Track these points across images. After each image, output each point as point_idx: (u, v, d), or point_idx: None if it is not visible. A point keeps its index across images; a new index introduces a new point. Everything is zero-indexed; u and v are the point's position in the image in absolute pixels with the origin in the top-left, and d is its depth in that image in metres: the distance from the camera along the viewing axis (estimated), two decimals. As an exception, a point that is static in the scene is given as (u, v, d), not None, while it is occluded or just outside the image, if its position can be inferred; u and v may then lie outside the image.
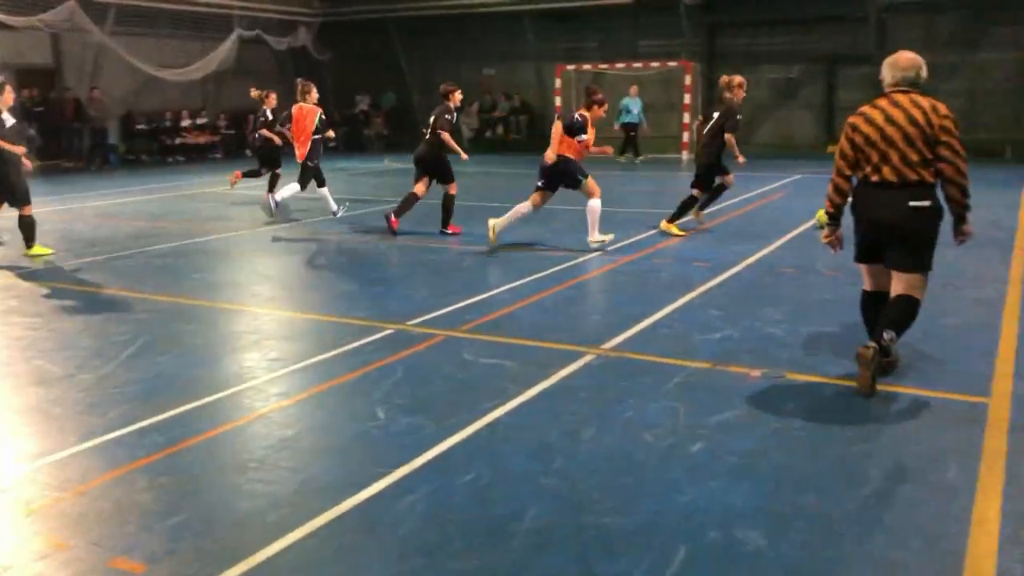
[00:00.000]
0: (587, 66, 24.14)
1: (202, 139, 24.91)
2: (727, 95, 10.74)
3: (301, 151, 12.12)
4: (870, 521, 3.51)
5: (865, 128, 5.05)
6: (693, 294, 7.40)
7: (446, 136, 10.76)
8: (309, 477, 4.01)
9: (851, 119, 5.18)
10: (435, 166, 10.87)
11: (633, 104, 21.62)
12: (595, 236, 9.50)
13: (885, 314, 5.08)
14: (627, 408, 4.82)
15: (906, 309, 5.06)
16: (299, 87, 12.26)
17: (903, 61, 5.09)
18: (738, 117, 10.71)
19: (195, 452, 4.31)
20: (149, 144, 24.05)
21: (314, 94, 12.34)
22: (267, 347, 6.15)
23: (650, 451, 4.24)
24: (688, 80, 22.51)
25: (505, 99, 26.45)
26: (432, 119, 10.85)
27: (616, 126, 21.79)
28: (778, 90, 23.72)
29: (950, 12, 21.07)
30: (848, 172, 5.19)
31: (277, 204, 12.25)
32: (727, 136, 10.53)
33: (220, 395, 5.12)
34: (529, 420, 4.68)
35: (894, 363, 5.31)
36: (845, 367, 5.42)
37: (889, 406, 4.78)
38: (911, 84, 5.07)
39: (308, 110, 12.08)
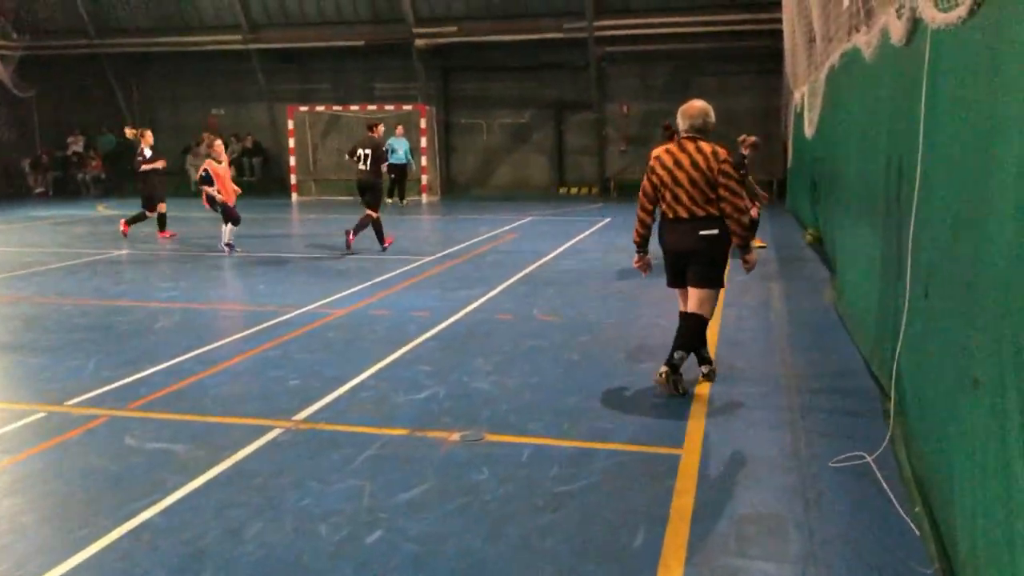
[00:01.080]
0: (320, 108, 23.51)
1: None
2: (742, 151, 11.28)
3: None
4: (548, 611, 3.19)
5: (660, 171, 5.64)
6: (405, 348, 7.00)
7: (385, 166, 12.95)
8: None
9: (651, 162, 5.73)
10: (372, 191, 12.56)
11: (398, 144, 21.06)
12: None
13: (677, 335, 5.74)
14: (306, 494, 4.26)
15: (692, 327, 5.73)
16: None
17: (692, 110, 5.63)
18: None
19: None
20: None
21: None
22: None
23: (319, 549, 3.70)
24: (423, 123, 22.49)
25: (236, 140, 25.17)
26: (370, 151, 12.32)
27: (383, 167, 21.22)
28: (512, 134, 24.36)
29: (662, 63, 22.64)
30: (649, 207, 5.79)
31: None
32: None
33: None
34: (186, 519, 3.99)
35: (711, 375, 6.01)
36: (545, 422, 5.20)
37: (583, 465, 4.57)
38: (698, 131, 5.62)
39: None
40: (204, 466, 4.61)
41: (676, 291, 6.08)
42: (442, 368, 6.43)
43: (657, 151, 5.73)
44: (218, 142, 13.69)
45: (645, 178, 5.75)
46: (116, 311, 8.72)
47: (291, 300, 9.01)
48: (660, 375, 5.59)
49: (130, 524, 3.92)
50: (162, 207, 14.87)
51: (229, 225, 13.09)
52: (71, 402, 5.71)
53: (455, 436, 5.02)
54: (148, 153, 14.71)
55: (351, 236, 12.53)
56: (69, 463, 4.69)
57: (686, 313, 5.82)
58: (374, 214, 12.58)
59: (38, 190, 25.46)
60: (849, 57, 7.83)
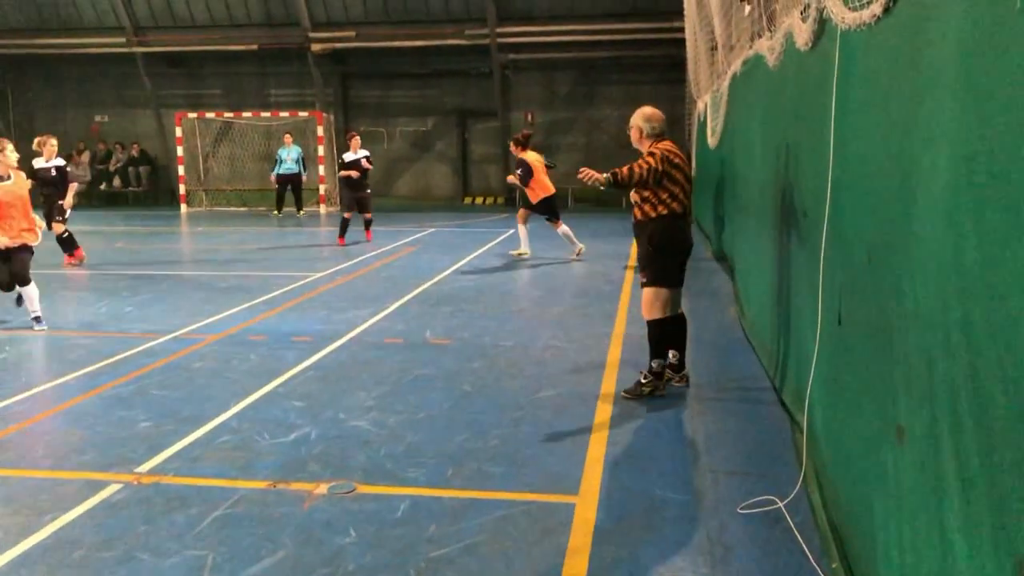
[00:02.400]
0: (211, 114, 22.41)
1: None
2: None
3: None
4: None
5: (684, 168, 5.75)
6: (279, 380, 6.32)
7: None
8: None
9: (667, 152, 5.67)
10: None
11: (287, 153, 20.09)
12: None
13: (675, 339, 5.94)
14: (134, 571, 3.58)
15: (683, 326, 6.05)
16: None
17: (657, 114, 5.90)
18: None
19: None
20: None
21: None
22: None
23: (135, 648, 3.04)
24: (320, 131, 21.63)
25: (121, 149, 23.82)
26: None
27: (272, 177, 20.24)
28: (414, 143, 23.74)
29: (566, 71, 22.38)
30: (650, 182, 5.62)
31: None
32: None
33: None
34: (-24, 613, 3.27)
35: (686, 377, 6.04)
36: (427, 468, 4.63)
37: (463, 520, 4.00)
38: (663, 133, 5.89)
39: None
40: (16, 537, 3.87)
41: (668, 292, 5.85)
42: (317, 404, 5.78)
43: (667, 145, 5.76)
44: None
45: (661, 163, 5.60)
46: (-45, 341, 7.75)
47: (159, 325, 8.19)
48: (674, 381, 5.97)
49: (-100, 625, 3.18)
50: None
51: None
52: None
53: (322, 488, 4.39)
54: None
55: None
56: None
57: (682, 315, 6.02)
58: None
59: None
60: (751, 64, 7.52)
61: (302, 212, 20.40)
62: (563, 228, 12.43)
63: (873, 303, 3.17)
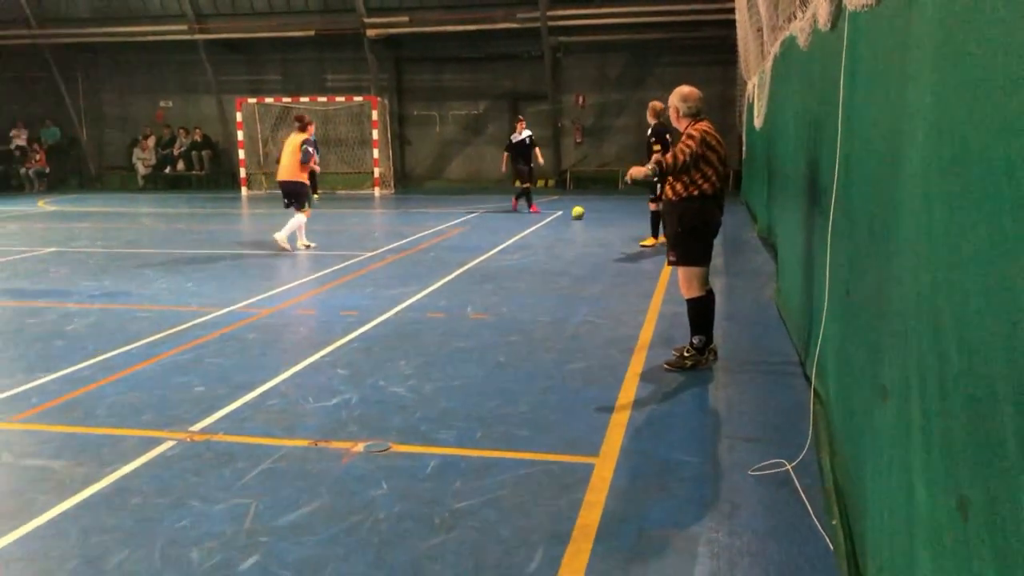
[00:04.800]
0: (270, 99, 23.00)
1: None
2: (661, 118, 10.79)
3: None
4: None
5: (719, 149, 5.83)
6: (326, 351, 6.66)
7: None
8: None
9: (705, 134, 5.78)
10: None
11: None
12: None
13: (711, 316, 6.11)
14: (185, 515, 3.93)
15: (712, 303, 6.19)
16: None
17: (694, 94, 5.97)
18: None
19: None
20: None
21: None
22: None
23: (184, 578, 3.38)
24: (375, 115, 22.05)
25: (184, 134, 24.57)
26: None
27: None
28: (466, 126, 24.01)
29: (618, 53, 22.41)
30: (691, 166, 5.75)
31: None
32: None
33: None
34: (46, 548, 3.64)
35: (714, 351, 6.16)
36: (457, 431, 4.91)
37: (488, 477, 4.28)
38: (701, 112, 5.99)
39: None
40: (80, 485, 4.26)
41: (702, 271, 6.05)
42: (360, 372, 6.11)
43: (704, 126, 5.85)
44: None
45: (702, 146, 5.73)
46: (30, 312, 8.28)
47: (217, 299, 8.63)
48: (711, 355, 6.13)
49: (-19, 554, 3.57)
50: None
51: None
52: (-48, 414, 5.32)
53: (359, 447, 4.71)
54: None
55: None
56: (-69, 484, 4.32)
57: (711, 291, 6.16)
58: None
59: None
60: (787, 45, 7.60)
61: (316, 196, 20.78)
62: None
63: (872, 273, 3.34)
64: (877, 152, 3.34)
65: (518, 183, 16.63)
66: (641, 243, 12.05)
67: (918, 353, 2.50)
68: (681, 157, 5.71)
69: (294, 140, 11.96)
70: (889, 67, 3.14)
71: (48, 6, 24.10)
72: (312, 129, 12.41)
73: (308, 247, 12.21)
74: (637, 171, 5.74)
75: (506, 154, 16.55)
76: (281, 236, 11.89)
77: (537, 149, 16.30)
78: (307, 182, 12.18)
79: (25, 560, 3.54)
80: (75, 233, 14.69)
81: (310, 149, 11.94)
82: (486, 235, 13.57)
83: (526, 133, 16.17)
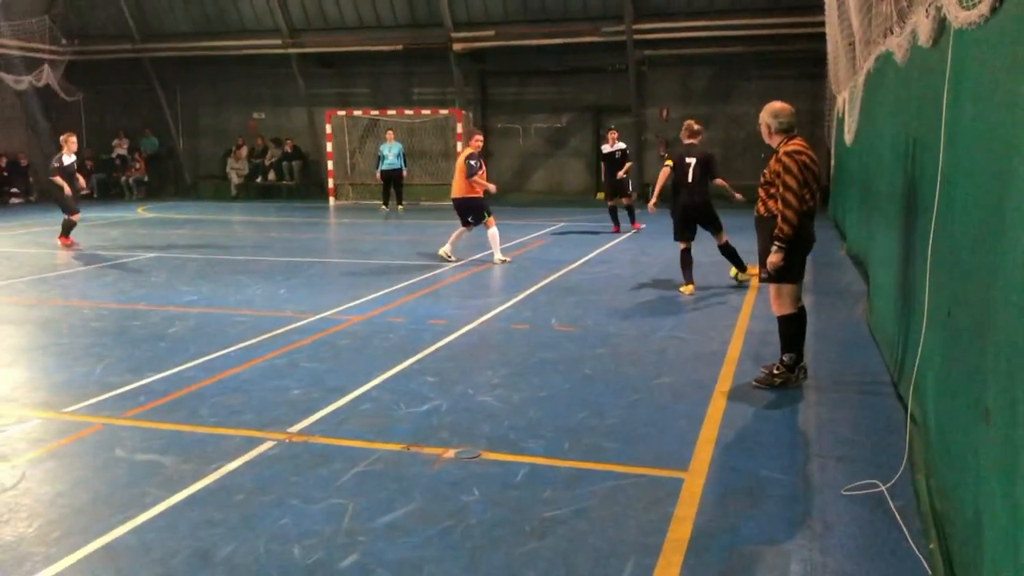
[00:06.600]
0: (358, 112, 23.55)
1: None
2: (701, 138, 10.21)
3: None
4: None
5: (810, 165, 5.75)
6: (415, 358, 6.82)
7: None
8: None
9: (801, 162, 5.70)
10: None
11: (388, 149, 20.94)
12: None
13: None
14: (286, 512, 4.10)
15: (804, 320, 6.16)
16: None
17: (786, 109, 5.94)
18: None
19: None
20: None
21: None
22: None
23: (288, 574, 3.53)
24: (459, 128, 22.37)
25: (275, 145, 25.33)
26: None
27: (377, 174, 21.17)
28: (548, 139, 24.16)
29: (703, 67, 22.26)
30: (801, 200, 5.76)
31: None
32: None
33: None
34: (159, 538, 3.85)
35: (804, 369, 6.08)
36: (546, 441, 4.98)
37: (577, 488, 4.33)
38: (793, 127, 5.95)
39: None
40: (188, 480, 4.47)
41: (794, 288, 6.02)
42: (449, 380, 6.24)
43: (798, 145, 5.79)
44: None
45: (804, 176, 5.70)
46: (133, 315, 8.68)
47: (309, 306, 8.91)
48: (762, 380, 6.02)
49: (99, 542, 3.79)
50: (76, 216, 14.22)
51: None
52: (70, 408, 5.64)
53: (450, 453, 4.82)
54: (67, 160, 14.08)
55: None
56: (51, 475, 4.59)
57: (803, 308, 6.11)
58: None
59: (83, 192, 25.80)
60: (882, 60, 7.48)
61: (401, 207, 21.03)
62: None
63: (975, 294, 3.29)
64: (983, 171, 3.30)
65: (613, 198, 15.50)
66: (738, 276, 10.35)
67: (1026, 374, 2.48)
68: (791, 214, 5.67)
69: (460, 156, 12.05)
70: (997, 85, 3.10)
71: (152, 21, 25.17)
72: (477, 142, 12.18)
73: (504, 261, 11.94)
74: (775, 260, 5.78)
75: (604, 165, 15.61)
76: (496, 256, 11.89)
77: (628, 164, 15.27)
78: (480, 195, 11.90)
79: (140, 550, 3.74)
80: (173, 239, 15.30)
81: (473, 163, 11.76)
82: (568, 247, 13.64)
83: (619, 146, 15.27)
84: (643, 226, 15.88)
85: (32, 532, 3.90)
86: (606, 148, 15.41)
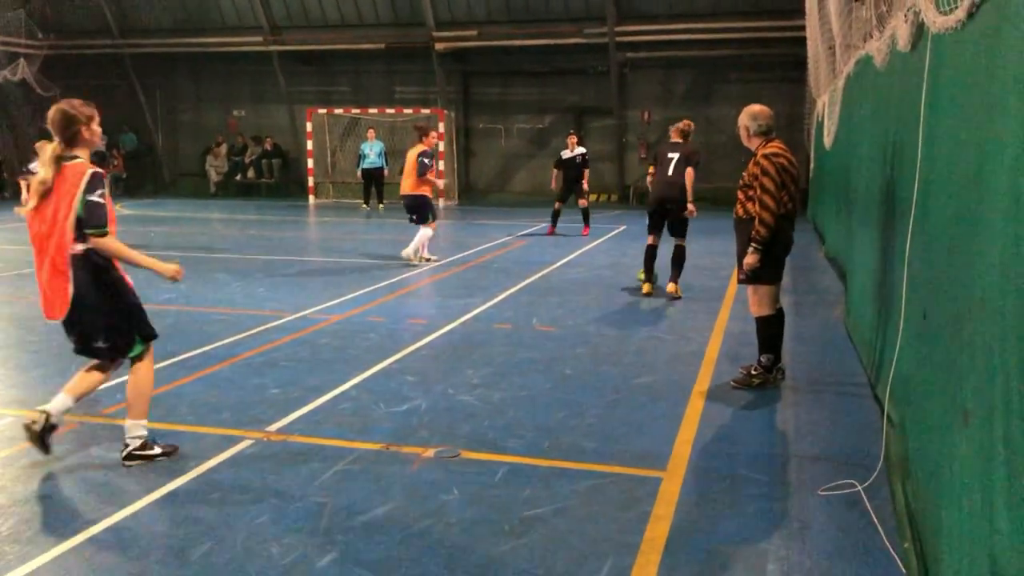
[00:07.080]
0: (339, 110, 23.47)
1: None
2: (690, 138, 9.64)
3: None
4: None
5: (789, 168, 5.75)
6: (395, 357, 6.81)
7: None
8: None
9: (780, 165, 5.71)
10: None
11: (369, 147, 20.82)
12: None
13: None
14: (264, 511, 4.08)
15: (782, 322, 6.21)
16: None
17: (764, 112, 5.95)
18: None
19: None
20: None
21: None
22: None
23: (265, 573, 3.51)
24: (442, 127, 22.33)
25: (255, 143, 25.19)
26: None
27: (358, 173, 21.05)
28: (530, 139, 24.18)
29: (684, 70, 22.36)
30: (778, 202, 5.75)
31: None
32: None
33: None
34: (134, 536, 3.81)
35: (782, 371, 6.14)
36: (525, 440, 4.99)
37: (556, 487, 4.34)
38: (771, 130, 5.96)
39: None
40: (166, 478, 4.44)
41: (772, 289, 6.04)
42: (429, 379, 6.23)
43: (776, 148, 5.80)
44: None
45: (782, 178, 5.71)
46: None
47: (288, 304, 8.86)
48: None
49: (75, 540, 3.76)
50: None
51: None
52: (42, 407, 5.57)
53: (429, 452, 4.81)
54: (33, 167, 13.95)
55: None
56: (25, 473, 4.54)
57: (781, 310, 6.14)
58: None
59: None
60: (862, 64, 7.55)
61: (382, 206, 20.88)
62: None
63: (951, 297, 3.33)
64: (961, 174, 3.33)
65: (564, 200, 15.32)
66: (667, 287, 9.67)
67: (1003, 375, 2.51)
68: (768, 216, 5.69)
69: (412, 152, 11.66)
70: (974, 89, 3.14)
71: (131, 17, 24.96)
72: (432, 140, 12.00)
73: (429, 260, 11.88)
74: (751, 261, 5.80)
75: (556, 171, 15.39)
76: (408, 252, 11.63)
77: (586, 171, 15.03)
78: (429, 195, 11.69)
79: (116, 548, 3.71)
80: (151, 237, 15.17)
81: (427, 161, 11.48)
82: (550, 248, 13.66)
83: (579, 150, 15.00)
84: (590, 231, 15.66)
85: (6, 530, 3.86)
86: (566, 153, 15.05)
